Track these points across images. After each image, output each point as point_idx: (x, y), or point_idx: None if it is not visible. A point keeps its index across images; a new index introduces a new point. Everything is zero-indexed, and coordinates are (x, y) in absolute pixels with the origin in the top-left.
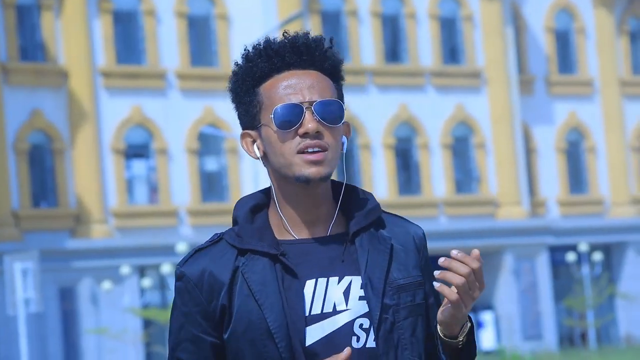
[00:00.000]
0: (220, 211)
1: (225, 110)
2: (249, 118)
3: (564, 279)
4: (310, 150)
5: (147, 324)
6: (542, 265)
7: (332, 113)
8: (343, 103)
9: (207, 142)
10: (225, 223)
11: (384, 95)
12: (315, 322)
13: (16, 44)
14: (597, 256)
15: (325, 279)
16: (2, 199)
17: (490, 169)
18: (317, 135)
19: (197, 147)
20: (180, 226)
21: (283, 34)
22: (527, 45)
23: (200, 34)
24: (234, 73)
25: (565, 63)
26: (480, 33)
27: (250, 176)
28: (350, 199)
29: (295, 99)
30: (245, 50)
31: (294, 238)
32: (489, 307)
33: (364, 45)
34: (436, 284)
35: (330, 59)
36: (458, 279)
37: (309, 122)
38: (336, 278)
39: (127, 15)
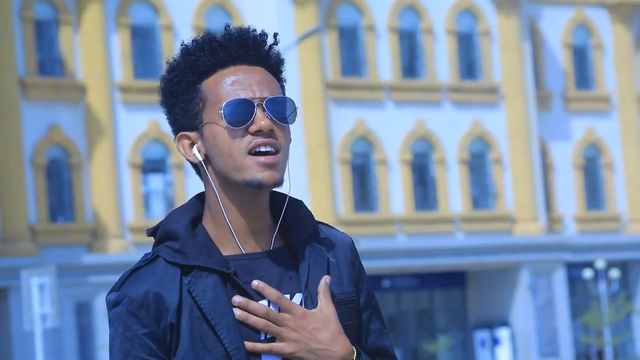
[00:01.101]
0: None
1: None
2: (189, 118)
3: (580, 295)
4: (262, 149)
5: None
6: (559, 281)
7: (283, 112)
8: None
9: None
10: None
11: (401, 110)
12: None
13: (34, 59)
14: (614, 273)
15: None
16: (19, 214)
17: (507, 184)
18: (270, 133)
19: None
20: None
21: (225, 28)
22: (544, 61)
23: None
24: (171, 69)
25: (583, 79)
26: (497, 48)
27: None
28: (285, 209)
29: (244, 95)
30: (183, 44)
31: (239, 252)
32: (505, 323)
33: (381, 61)
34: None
35: (275, 56)
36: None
37: (262, 119)
38: (287, 296)
39: (144, 30)
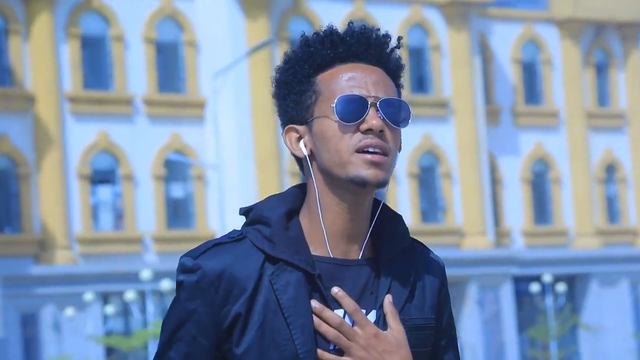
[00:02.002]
0: (185, 238)
1: (192, 137)
2: (300, 110)
3: (527, 309)
4: (371, 149)
5: (110, 351)
6: (506, 295)
7: (397, 114)
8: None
9: (173, 169)
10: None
11: None
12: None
13: None
14: (561, 287)
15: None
16: None
17: (456, 198)
18: (380, 134)
19: (163, 174)
20: (145, 253)
21: (349, 24)
22: (494, 76)
23: (168, 61)
24: (287, 60)
25: (532, 94)
26: (447, 63)
27: (216, 203)
28: (381, 219)
29: (359, 92)
30: (303, 36)
31: (327, 255)
32: None
33: None
34: None
35: (395, 60)
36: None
37: (373, 119)
38: (364, 312)
39: (95, 40)
